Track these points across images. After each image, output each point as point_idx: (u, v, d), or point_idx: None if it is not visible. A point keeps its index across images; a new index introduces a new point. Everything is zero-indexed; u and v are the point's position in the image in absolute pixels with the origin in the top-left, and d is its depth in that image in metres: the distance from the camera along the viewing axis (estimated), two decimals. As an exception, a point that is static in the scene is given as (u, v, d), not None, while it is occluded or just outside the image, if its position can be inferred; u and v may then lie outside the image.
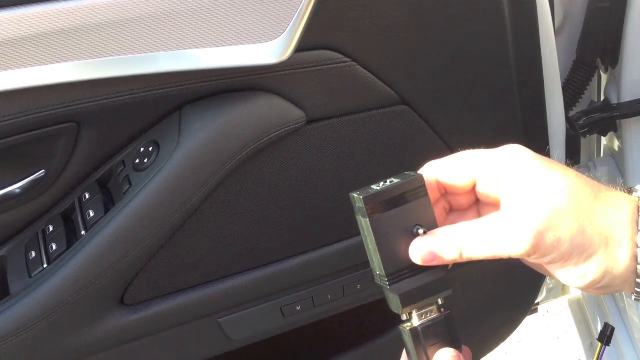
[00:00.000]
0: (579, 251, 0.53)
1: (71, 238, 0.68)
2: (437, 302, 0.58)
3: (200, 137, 0.66)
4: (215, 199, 0.70)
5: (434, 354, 0.58)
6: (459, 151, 0.83)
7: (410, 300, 0.57)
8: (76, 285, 0.66)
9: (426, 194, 0.57)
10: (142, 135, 0.70)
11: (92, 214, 0.67)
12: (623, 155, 1.18)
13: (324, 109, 0.72)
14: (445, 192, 0.59)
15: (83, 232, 0.67)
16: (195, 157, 0.65)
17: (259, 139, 0.68)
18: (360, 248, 0.81)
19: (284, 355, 0.96)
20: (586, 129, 1.14)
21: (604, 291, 0.57)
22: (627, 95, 1.09)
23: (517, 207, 0.54)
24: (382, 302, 0.90)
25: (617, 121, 1.15)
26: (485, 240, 0.54)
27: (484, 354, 1.10)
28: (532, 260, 0.55)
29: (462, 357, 0.58)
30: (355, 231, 0.80)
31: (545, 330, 2.25)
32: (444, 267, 0.58)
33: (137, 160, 0.67)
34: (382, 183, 0.57)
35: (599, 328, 1.49)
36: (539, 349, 2.22)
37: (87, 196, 0.69)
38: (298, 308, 0.81)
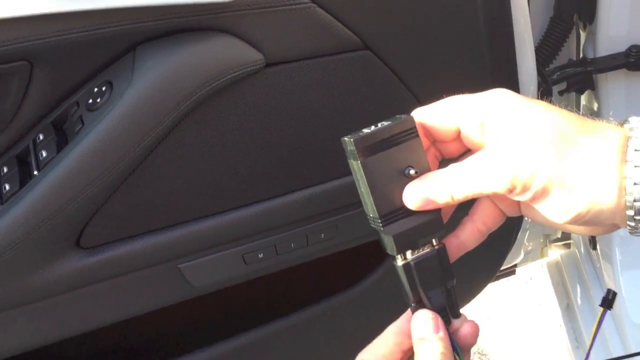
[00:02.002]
0: (559, 183, 0.52)
1: (25, 179, 0.67)
2: (431, 242, 0.59)
3: (153, 76, 0.64)
4: (172, 140, 0.69)
5: (428, 294, 0.58)
6: (424, 100, 0.83)
7: (404, 240, 0.58)
8: (27, 225, 0.65)
9: (417, 135, 0.57)
10: (97, 75, 0.68)
11: (44, 154, 0.66)
12: (600, 113, 1.18)
13: (283, 52, 0.71)
14: (434, 139, 0.59)
15: (35, 172, 0.66)
16: (148, 95, 0.64)
17: (215, 80, 0.67)
18: (324, 196, 0.81)
19: (255, 305, 0.96)
20: (564, 86, 1.14)
21: (592, 227, 0.56)
22: (603, 51, 1.08)
23: (497, 143, 0.53)
24: (352, 252, 0.91)
25: (594, 78, 1.14)
26: (470, 179, 0.54)
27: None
28: (516, 198, 0.54)
29: (439, 317, 0.58)
30: (319, 179, 0.80)
31: (528, 297, 2.26)
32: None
33: (90, 100, 0.66)
34: (372, 126, 0.57)
35: (578, 290, 1.50)
36: (521, 315, 2.23)
37: (41, 137, 0.68)
38: (260, 256, 0.81)
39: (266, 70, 0.71)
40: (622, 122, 0.54)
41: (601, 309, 1.03)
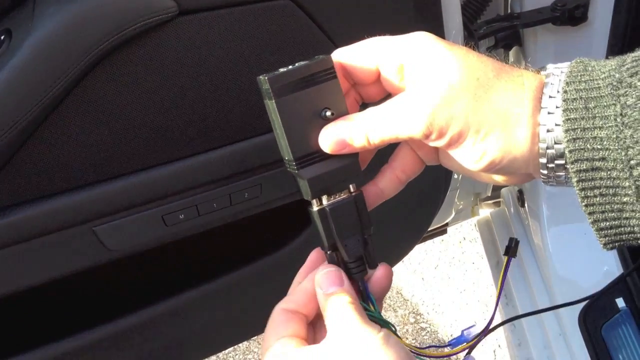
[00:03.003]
0: (474, 129, 0.51)
1: None
2: (347, 188, 0.58)
3: (54, 23, 0.60)
4: (79, 94, 0.65)
5: (344, 240, 0.57)
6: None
7: (320, 185, 0.56)
8: None
9: (335, 76, 0.55)
10: (-4, 25, 0.64)
11: (-60, 109, 0.61)
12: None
13: (197, 0, 0.68)
14: (354, 82, 0.58)
15: None
16: (50, 44, 0.60)
17: (124, 28, 0.63)
18: (247, 153, 0.78)
19: (170, 268, 0.93)
20: (492, 42, 1.13)
21: (507, 177, 0.56)
22: (529, 5, 1.07)
23: (415, 87, 0.52)
24: (278, 215, 0.88)
25: (521, 33, 1.13)
26: (387, 122, 0.53)
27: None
28: (432, 144, 0.53)
29: (340, 270, 0.57)
30: (241, 135, 0.77)
31: (461, 257, 2.30)
32: (353, 153, 0.57)
33: (-12, 51, 0.62)
34: (290, 65, 0.54)
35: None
36: (454, 274, 2.27)
37: (-63, 92, 0.63)
38: (181, 217, 0.77)
39: (180, 18, 0.67)
40: (540, 69, 0.54)
41: (506, 258, 1.05)
